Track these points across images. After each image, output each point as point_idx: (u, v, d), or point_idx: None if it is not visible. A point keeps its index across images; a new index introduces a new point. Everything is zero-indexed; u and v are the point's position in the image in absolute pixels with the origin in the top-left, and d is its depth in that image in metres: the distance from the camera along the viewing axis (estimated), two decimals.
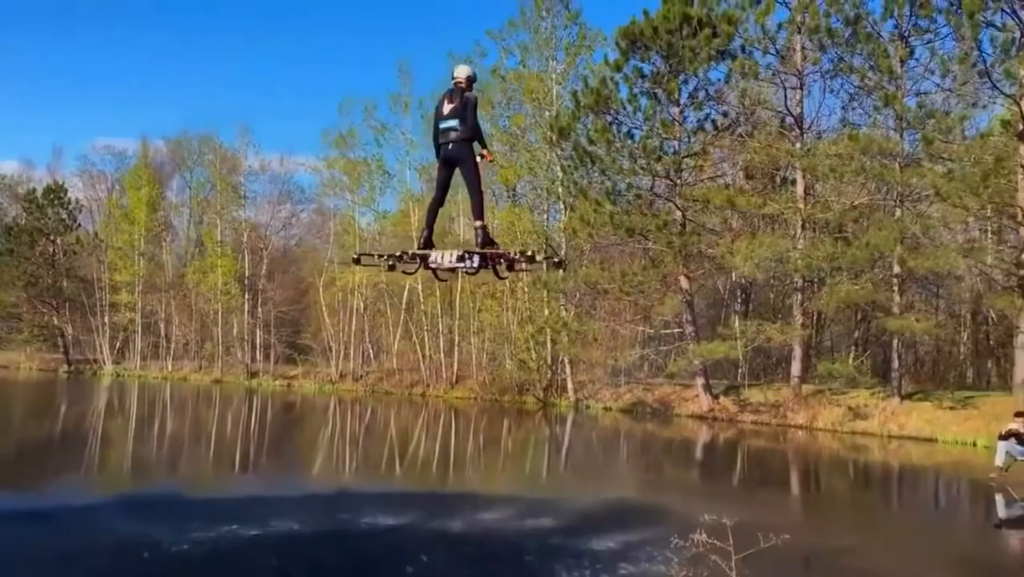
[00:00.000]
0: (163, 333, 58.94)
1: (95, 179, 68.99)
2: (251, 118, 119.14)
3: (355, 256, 9.76)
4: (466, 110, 8.19)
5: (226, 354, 55.63)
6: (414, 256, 8.62)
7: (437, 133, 8.36)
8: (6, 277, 61.36)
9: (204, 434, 28.00)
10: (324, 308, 51.26)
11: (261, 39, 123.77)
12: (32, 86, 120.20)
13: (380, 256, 9.35)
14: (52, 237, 61.70)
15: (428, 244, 8.61)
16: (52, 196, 61.63)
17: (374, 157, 49.01)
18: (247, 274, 55.72)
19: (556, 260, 13.51)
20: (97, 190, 69.72)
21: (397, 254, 8.95)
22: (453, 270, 8.82)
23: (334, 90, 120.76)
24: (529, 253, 8.90)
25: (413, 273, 9.38)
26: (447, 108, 8.25)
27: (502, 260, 8.60)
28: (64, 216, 61.64)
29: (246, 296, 55.28)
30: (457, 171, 8.46)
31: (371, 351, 51.66)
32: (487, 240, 8.46)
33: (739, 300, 40.18)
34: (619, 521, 13.04)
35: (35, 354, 63.18)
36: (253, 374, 53.29)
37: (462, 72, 8.43)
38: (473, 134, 8.26)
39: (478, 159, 8.38)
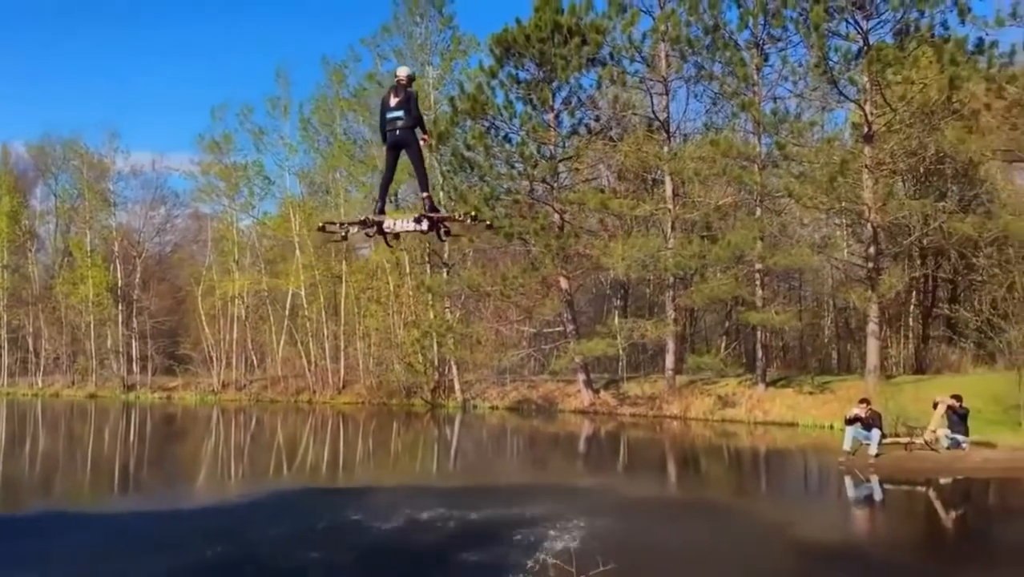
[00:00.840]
0: (31, 348, 56.44)
1: None
2: (120, 120, 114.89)
3: (319, 225, 10.89)
4: (410, 103, 9.63)
5: (100, 367, 53.77)
6: (373, 222, 9.91)
7: (384, 122, 9.77)
8: None
9: (79, 451, 27.24)
10: (203, 317, 50.23)
11: (126, 39, 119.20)
12: None
13: (342, 224, 10.54)
14: None
15: (381, 213, 10.01)
16: None
17: (253, 162, 48.33)
18: (120, 284, 53.98)
19: (486, 222, 16.30)
20: None
21: (360, 219, 10.33)
22: (406, 232, 10.18)
23: (207, 95, 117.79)
24: (471, 215, 11.53)
25: (371, 237, 10.57)
26: (393, 101, 9.66)
27: (446, 222, 10.29)
28: None
29: (120, 307, 53.53)
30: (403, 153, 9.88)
31: (255, 359, 50.98)
32: (432, 208, 10.09)
33: (619, 297, 41.66)
34: (499, 501, 14.04)
35: None
36: (130, 387, 51.73)
37: (403, 72, 9.94)
38: (416, 122, 9.69)
39: (420, 143, 9.83)
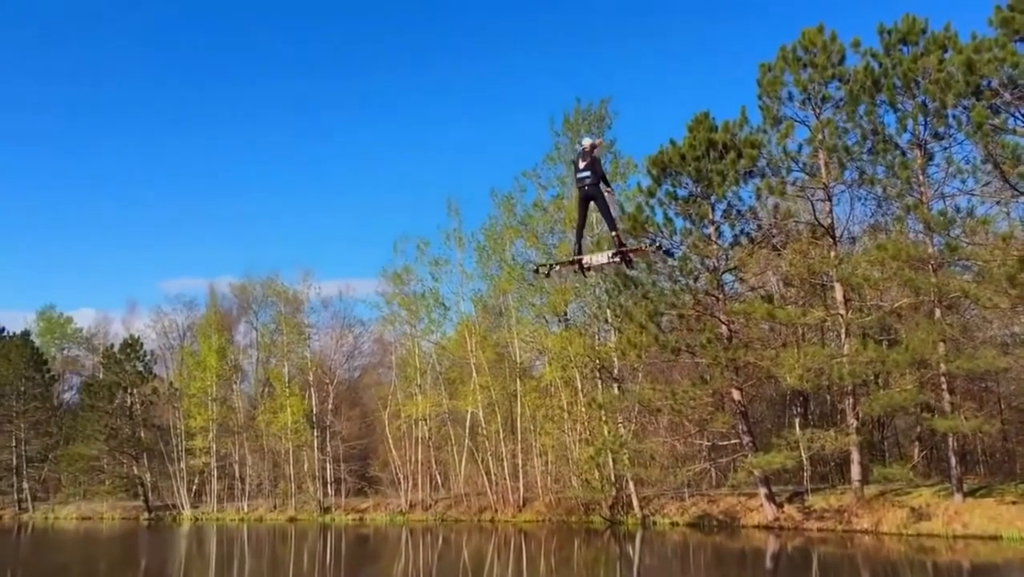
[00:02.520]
0: (237, 474, 60.77)
1: (167, 329, 72.50)
2: (311, 255, 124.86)
3: (534, 268, 15.91)
4: (595, 165, 12.18)
5: (299, 491, 57.05)
6: (576, 261, 12.74)
7: (575, 180, 12.35)
8: (88, 431, 64.23)
9: (288, 572, 29.13)
10: (391, 440, 52.67)
11: (312, 186, 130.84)
12: (105, 234, 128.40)
13: (552, 265, 14.32)
14: (129, 389, 64.68)
15: (579, 253, 12.76)
16: (128, 350, 64.99)
17: (430, 290, 51.22)
18: (315, 411, 57.62)
19: (665, 249, 20.36)
20: (169, 338, 73.18)
21: (567, 260, 13.36)
22: (601, 265, 12.92)
23: (386, 227, 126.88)
24: (655, 245, 16.86)
25: (577, 273, 13.44)
26: (581, 164, 12.18)
27: (633, 254, 13.09)
28: (140, 368, 64.74)
29: (315, 432, 57.03)
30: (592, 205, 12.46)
31: (439, 479, 52.72)
32: (621, 243, 12.49)
33: (798, 405, 40.40)
34: None
35: (117, 503, 65.37)
36: (326, 509, 54.48)
37: (587, 141, 12.48)
38: (600, 179, 12.18)
39: (605, 194, 12.21)
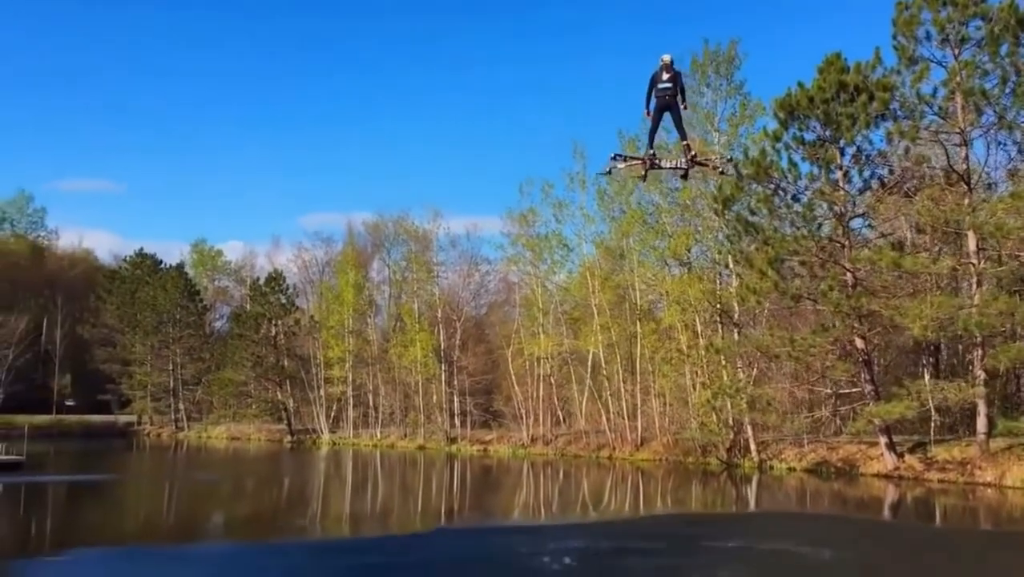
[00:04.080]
0: (371, 404, 64.27)
1: (308, 263, 76.43)
2: (440, 191, 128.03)
3: (612, 155, 14.84)
4: (677, 80, 13.57)
5: (428, 421, 59.92)
6: (649, 159, 14.23)
7: (656, 90, 13.50)
8: (236, 358, 69.24)
9: (423, 494, 31.35)
10: (514, 376, 54.47)
11: (443, 131, 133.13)
12: (248, 174, 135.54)
13: (627, 157, 15.08)
14: (273, 320, 69.03)
15: (653, 155, 14.34)
16: (273, 284, 69.18)
17: (554, 232, 52.15)
18: (443, 346, 60.04)
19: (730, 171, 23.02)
20: (310, 273, 77.19)
21: (640, 157, 14.60)
22: (671, 168, 15.08)
23: (513, 166, 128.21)
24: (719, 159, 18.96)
25: (644, 176, 15.43)
26: (665, 76, 13.47)
27: (701, 165, 15.56)
28: (283, 301, 68.89)
29: (442, 366, 59.52)
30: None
31: (560, 415, 54.32)
32: (690, 150, 14.31)
33: (929, 354, 39.42)
34: None
35: (262, 425, 70.42)
36: (452, 440, 57.11)
37: (667, 57, 13.62)
38: (678, 93, 13.54)
39: (681, 107, 13.64)
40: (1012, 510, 26.31)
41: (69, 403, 75.64)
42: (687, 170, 14.81)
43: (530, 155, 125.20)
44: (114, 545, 19.46)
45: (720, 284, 41.42)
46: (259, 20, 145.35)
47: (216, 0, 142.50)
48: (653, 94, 13.54)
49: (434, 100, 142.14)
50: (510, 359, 54.91)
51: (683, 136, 14.01)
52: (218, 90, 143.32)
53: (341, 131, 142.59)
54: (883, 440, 33.15)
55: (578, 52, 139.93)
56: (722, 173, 21.03)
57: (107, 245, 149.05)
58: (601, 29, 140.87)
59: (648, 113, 13.73)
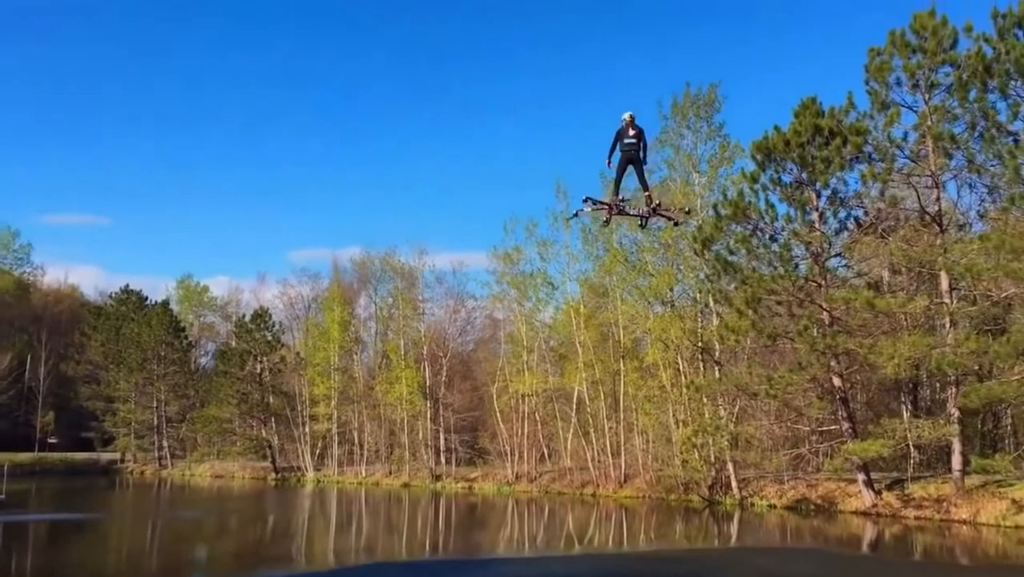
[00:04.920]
0: (356, 440, 64.20)
1: (293, 300, 76.64)
2: (425, 226, 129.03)
3: (584, 198, 15.51)
4: (642, 136, 14.68)
5: (413, 459, 59.90)
6: (616, 204, 15.02)
7: (620, 144, 14.57)
8: (221, 395, 69.14)
9: (411, 531, 31.46)
10: (499, 413, 54.67)
11: (430, 164, 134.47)
12: (236, 209, 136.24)
13: (595, 201, 15.38)
14: (259, 357, 69.09)
15: (619, 200, 15.06)
16: (258, 321, 69.31)
17: (539, 270, 52.74)
18: (428, 382, 60.22)
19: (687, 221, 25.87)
20: (295, 309, 77.40)
21: (600, 200, 15.33)
22: (633, 215, 15.66)
23: (497, 202, 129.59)
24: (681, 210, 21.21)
25: (607, 221, 16.26)
26: (631, 132, 14.55)
27: (662, 213, 16.13)
28: (269, 337, 68.99)
29: (428, 403, 59.65)
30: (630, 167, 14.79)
31: (545, 452, 54.49)
32: (651, 200, 15.32)
33: (906, 392, 39.95)
34: None
35: (247, 463, 70.15)
36: (437, 477, 57.09)
37: (628, 115, 14.62)
38: (642, 149, 14.66)
39: (643, 161, 14.71)
40: (986, 546, 26.65)
41: (52, 440, 75.16)
42: (647, 219, 15.79)
43: (516, 191, 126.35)
44: None
45: (701, 322, 41.95)
46: (247, 57, 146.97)
47: (205, 38, 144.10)
48: (619, 148, 14.61)
49: (421, 137, 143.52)
50: (495, 396, 55.16)
51: (645, 187, 15.11)
52: (207, 125, 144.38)
53: (328, 168, 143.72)
54: (861, 477, 33.55)
55: (560, 96, 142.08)
56: (676, 224, 22.65)
57: (93, 280, 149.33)
58: (584, 73, 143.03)
59: (610, 163, 14.86)
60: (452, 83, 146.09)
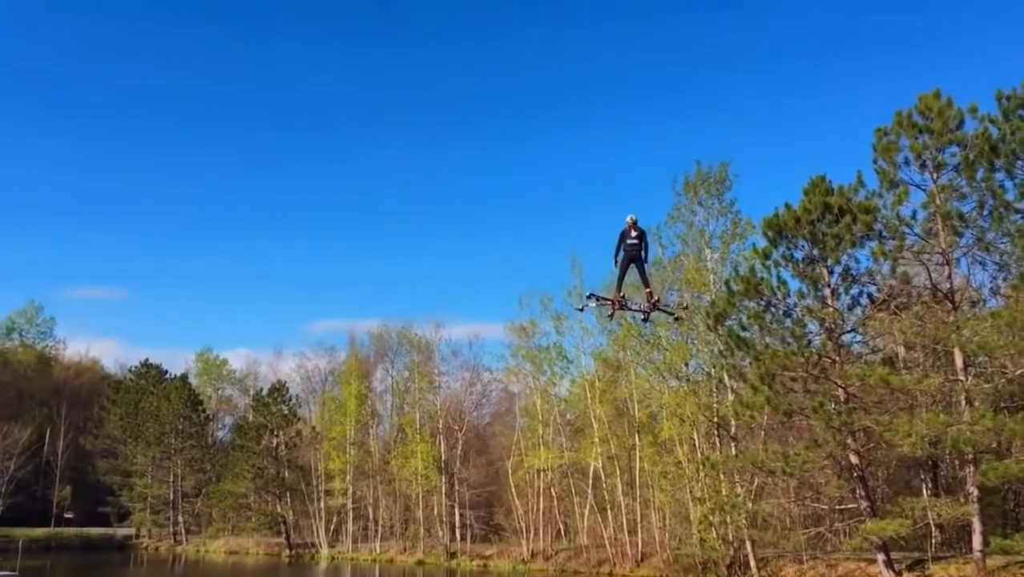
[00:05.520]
0: (371, 516, 63.73)
1: (310, 373, 77.07)
2: (442, 298, 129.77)
3: (588, 294, 17.51)
4: (644, 237, 16.09)
5: (427, 535, 59.27)
6: (619, 301, 16.35)
7: (626, 245, 15.92)
8: (237, 469, 69.01)
9: None
10: (514, 489, 54.24)
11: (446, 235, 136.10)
12: (251, 284, 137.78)
13: (599, 298, 17.32)
14: (275, 431, 69.11)
15: (622, 297, 16.39)
16: (276, 394, 69.62)
17: (554, 344, 52.94)
18: (443, 457, 59.93)
19: (684, 316, 26.01)
20: (312, 383, 77.79)
21: (610, 298, 16.76)
22: (635, 310, 16.94)
23: (514, 276, 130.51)
24: (680, 305, 25.64)
25: (611, 315, 19.02)
26: (633, 234, 15.93)
27: (660, 307, 17.46)
28: (286, 411, 69.16)
29: (443, 478, 59.27)
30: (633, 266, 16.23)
31: (561, 528, 53.83)
32: (651, 296, 16.64)
33: (926, 470, 39.47)
34: None
35: (261, 539, 69.59)
36: (452, 554, 56.39)
37: (631, 218, 15.99)
38: (644, 248, 16.04)
39: (645, 265, 16.19)
40: None
41: (68, 515, 75.06)
42: (648, 313, 17.06)
43: (532, 264, 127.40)
44: None
45: (716, 397, 41.80)
46: (254, 131, 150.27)
47: (217, 106, 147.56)
48: (622, 248, 15.94)
49: (438, 209, 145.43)
50: (511, 471, 54.80)
51: (647, 284, 16.44)
52: (225, 195, 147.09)
53: (347, 241, 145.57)
54: (881, 557, 32.86)
55: (577, 162, 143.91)
56: (677, 319, 25.81)
57: (113, 353, 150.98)
58: (599, 143, 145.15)
59: (616, 262, 16.08)
60: (471, 153, 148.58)
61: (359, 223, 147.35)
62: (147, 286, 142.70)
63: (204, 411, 79.25)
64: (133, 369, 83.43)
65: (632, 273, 16.60)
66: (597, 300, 16.93)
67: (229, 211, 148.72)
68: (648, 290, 16.35)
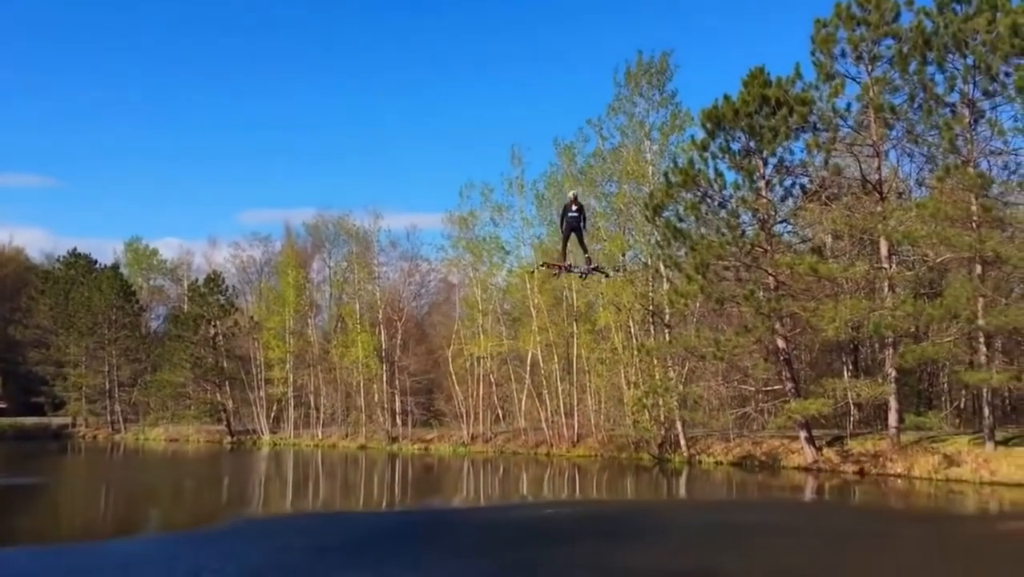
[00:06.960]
0: (313, 404, 64.66)
1: (245, 264, 76.22)
2: (380, 189, 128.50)
3: (542, 263, 24.52)
4: (583, 211, 19.09)
5: (369, 421, 60.55)
6: (564, 265, 20.09)
7: (567, 217, 18.76)
8: (174, 359, 68.81)
9: (367, 489, 32.20)
10: (454, 376, 55.49)
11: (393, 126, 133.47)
12: (184, 168, 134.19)
13: (550, 264, 22.07)
14: (212, 322, 68.83)
15: (565, 260, 20.03)
16: (211, 285, 68.99)
17: (492, 235, 53.32)
18: (384, 346, 60.70)
19: (608, 274, 30.03)
20: (248, 273, 77.05)
21: (552, 262, 21.73)
22: (577, 272, 20.34)
23: (453, 165, 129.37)
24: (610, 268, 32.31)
25: (557, 275, 25.43)
26: (574, 208, 18.71)
27: (597, 270, 21.23)
28: (222, 302, 68.69)
29: (384, 367, 60.18)
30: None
31: (500, 413, 55.52)
32: (589, 261, 19.61)
33: (848, 353, 41.56)
34: None
35: (201, 427, 70.11)
36: (394, 439, 57.85)
37: (571, 193, 19.92)
38: (582, 220, 18.93)
39: (584, 231, 19.20)
40: (916, 498, 28.28)
41: (0, 406, 74.29)
42: (586, 274, 20.40)
43: (471, 153, 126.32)
44: (38, 544, 19.80)
45: (652, 287, 43.00)
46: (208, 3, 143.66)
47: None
48: (565, 220, 18.81)
49: (377, 98, 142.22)
50: (451, 359, 55.87)
51: (585, 251, 19.33)
52: (159, 84, 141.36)
53: (281, 130, 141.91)
54: (803, 435, 35.03)
55: (518, 53, 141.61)
56: (607, 276, 31.77)
57: (39, 243, 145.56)
58: (542, 31, 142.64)
59: (561, 230, 19.30)
60: (415, 44, 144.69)
61: (295, 99, 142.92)
62: (73, 173, 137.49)
63: (137, 301, 78.12)
64: (61, 259, 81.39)
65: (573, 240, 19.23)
66: (547, 267, 22.09)
67: (160, 98, 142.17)
68: (587, 256, 19.30)
